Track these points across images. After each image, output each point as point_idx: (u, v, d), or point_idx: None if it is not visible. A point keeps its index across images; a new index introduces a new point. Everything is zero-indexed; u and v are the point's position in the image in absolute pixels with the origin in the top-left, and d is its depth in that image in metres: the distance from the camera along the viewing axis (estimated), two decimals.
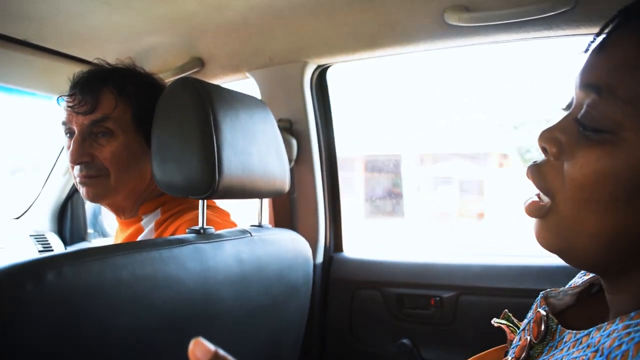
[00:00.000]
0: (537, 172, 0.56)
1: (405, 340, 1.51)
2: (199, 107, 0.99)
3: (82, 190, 1.25)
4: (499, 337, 0.81)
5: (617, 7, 0.52)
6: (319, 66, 1.61)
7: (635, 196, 0.48)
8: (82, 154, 1.20)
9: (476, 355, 0.78)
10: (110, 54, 1.35)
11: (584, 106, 0.51)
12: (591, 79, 0.51)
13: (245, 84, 1.70)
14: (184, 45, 1.63)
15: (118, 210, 1.31)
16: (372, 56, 1.50)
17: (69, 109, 1.22)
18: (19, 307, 0.68)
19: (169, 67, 1.68)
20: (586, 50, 0.54)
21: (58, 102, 1.28)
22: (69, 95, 1.23)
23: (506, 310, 0.75)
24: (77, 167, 1.22)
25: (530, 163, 0.57)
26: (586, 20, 1.19)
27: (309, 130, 1.61)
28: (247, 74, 1.64)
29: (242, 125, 1.07)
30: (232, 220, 1.30)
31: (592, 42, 0.54)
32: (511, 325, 0.73)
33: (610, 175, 0.48)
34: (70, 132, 1.24)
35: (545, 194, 0.55)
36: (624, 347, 0.44)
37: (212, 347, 0.43)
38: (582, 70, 0.53)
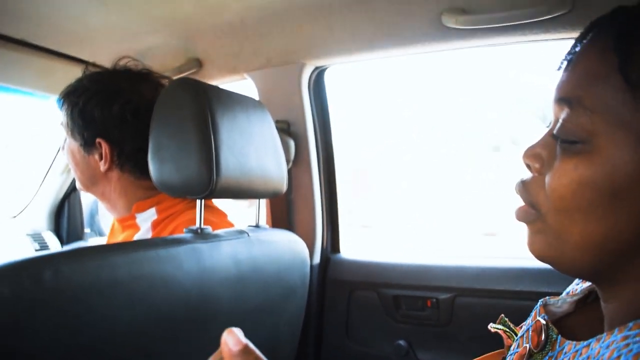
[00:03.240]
0: (522, 187, 0.58)
1: (401, 342, 1.51)
2: (196, 108, 1.00)
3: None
4: (495, 340, 0.81)
5: None
6: (316, 68, 1.61)
7: (615, 200, 0.49)
8: None
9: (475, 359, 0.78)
10: (108, 55, 1.35)
11: (560, 120, 0.53)
12: (563, 93, 0.53)
13: (243, 86, 1.70)
14: (181, 46, 1.63)
15: (112, 208, 1.31)
16: (369, 58, 1.50)
17: None
18: (17, 305, 0.68)
19: (166, 68, 1.68)
20: (559, 68, 0.56)
21: (58, 103, 1.26)
22: None
23: (502, 315, 0.75)
24: None
25: (518, 180, 0.59)
26: (583, 23, 1.18)
27: (307, 132, 1.61)
28: (245, 75, 1.64)
29: (239, 126, 1.08)
30: (229, 221, 1.29)
31: (564, 60, 0.56)
32: (508, 330, 0.73)
33: (587, 183, 0.49)
34: None
35: (532, 207, 0.56)
36: (622, 358, 0.44)
37: (243, 339, 0.47)
38: (557, 86, 0.55)
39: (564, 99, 0.53)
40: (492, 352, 0.77)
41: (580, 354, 0.52)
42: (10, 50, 1.51)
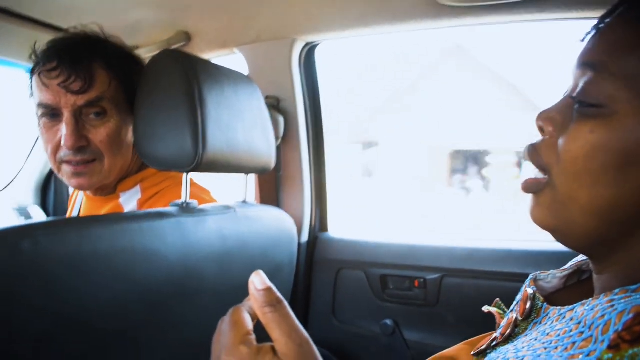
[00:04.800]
0: (533, 150, 0.58)
1: (387, 321, 1.51)
2: (184, 80, 0.97)
3: (72, 181, 1.14)
4: (483, 320, 0.82)
5: None
6: (307, 43, 1.58)
7: (627, 167, 0.49)
8: (79, 138, 1.09)
9: (466, 341, 0.78)
10: (96, 26, 1.30)
11: (580, 84, 0.53)
12: (587, 58, 0.54)
13: (233, 60, 1.67)
14: (170, 18, 1.59)
15: (97, 190, 1.23)
16: (362, 34, 1.48)
17: (58, 86, 1.07)
18: None
19: (154, 40, 1.65)
20: (583, 39, 0.56)
21: (29, 73, 1.15)
22: (51, 70, 1.08)
23: (498, 299, 0.76)
24: (68, 153, 1.10)
25: (527, 144, 0.60)
26: (579, 4, 1.18)
27: (297, 108, 1.59)
28: (235, 50, 1.62)
29: (227, 100, 1.06)
30: (213, 197, 1.26)
31: (589, 32, 0.56)
32: (501, 312, 0.73)
33: (602, 147, 0.50)
34: (53, 113, 1.11)
35: (541, 170, 0.57)
36: (606, 317, 0.45)
37: (268, 281, 0.51)
38: (581, 52, 0.55)
39: (588, 63, 0.53)
40: (485, 334, 0.77)
41: (564, 317, 0.53)
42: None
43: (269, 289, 0.50)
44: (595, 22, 0.56)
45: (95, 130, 1.11)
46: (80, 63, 1.09)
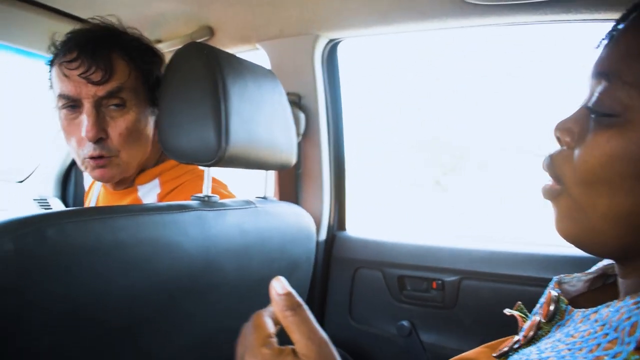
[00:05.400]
0: (549, 161, 0.58)
1: (404, 322, 1.50)
2: (208, 73, 0.97)
3: (95, 172, 1.14)
4: (501, 323, 0.81)
5: None
6: (330, 40, 1.58)
7: None
8: (99, 130, 1.09)
9: (486, 344, 0.78)
10: (120, 19, 1.31)
11: (595, 93, 0.53)
12: (601, 67, 0.53)
13: (255, 56, 1.67)
14: (193, 13, 1.59)
15: (116, 184, 1.23)
16: (386, 32, 1.47)
17: (78, 77, 1.07)
18: (20, 260, 0.67)
19: (177, 34, 1.66)
20: (598, 46, 0.56)
21: (48, 64, 1.16)
22: (71, 61, 1.08)
23: (519, 302, 0.76)
24: (89, 146, 1.11)
25: (546, 155, 0.60)
26: (606, 4, 1.16)
27: (318, 105, 1.59)
28: (257, 45, 1.61)
29: (250, 95, 1.05)
30: (231, 192, 1.26)
31: (604, 39, 0.56)
32: (524, 315, 0.73)
33: (619, 156, 0.50)
34: (73, 104, 1.11)
35: (557, 181, 0.57)
36: (633, 319, 0.45)
37: (288, 286, 0.53)
38: (596, 61, 0.55)
39: (602, 72, 0.53)
40: (505, 338, 0.77)
41: (588, 318, 0.53)
42: (17, 8, 1.48)
43: (289, 294, 0.52)
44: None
45: (114, 122, 1.12)
46: (101, 54, 1.09)
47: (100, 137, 1.10)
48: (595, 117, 0.53)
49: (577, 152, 0.54)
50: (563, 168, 0.56)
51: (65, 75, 1.09)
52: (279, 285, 0.53)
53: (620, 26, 0.54)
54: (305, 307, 0.52)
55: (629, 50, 0.51)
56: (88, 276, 0.75)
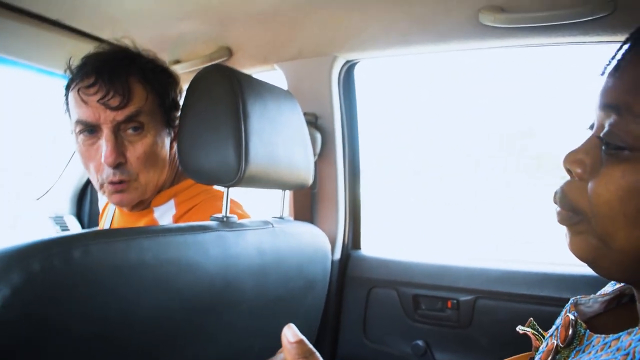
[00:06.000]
0: (562, 194, 0.57)
1: (419, 342, 1.50)
2: (229, 95, 0.99)
3: (114, 197, 1.14)
4: (517, 344, 0.80)
5: None
6: (347, 61, 1.59)
7: None
8: (119, 155, 1.10)
9: None
10: (140, 39, 1.32)
11: (606, 126, 0.52)
12: (610, 100, 0.53)
13: (271, 76, 1.69)
14: (213, 34, 1.62)
15: (134, 206, 1.22)
16: (403, 53, 1.49)
17: (97, 103, 1.08)
18: (47, 281, 0.68)
19: (197, 55, 1.68)
20: (602, 73, 0.55)
21: (66, 88, 1.15)
22: (89, 86, 1.08)
23: (531, 318, 0.75)
24: (108, 170, 1.11)
25: (557, 188, 0.59)
26: (624, 26, 1.17)
27: (334, 126, 1.60)
28: (275, 66, 1.63)
29: (270, 115, 1.07)
30: (245, 211, 1.26)
31: (608, 64, 0.55)
32: (536, 333, 0.72)
33: (635, 190, 0.49)
34: (91, 129, 1.11)
35: (572, 212, 0.56)
36: None
37: (299, 334, 0.53)
38: (602, 91, 0.54)
39: (611, 105, 0.52)
40: (520, 355, 0.76)
41: (609, 346, 0.52)
42: (42, 29, 1.51)
43: (301, 341, 0.53)
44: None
45: (133, 147, 1.12)
46: (118, 78, 1.09)
47: (119, 162, 1.11)
48: (607, 149, 0.52)
49: (590, 185, 0.53)
50: (578, 201, 0.55)
51: (84, 101, 1.09)
52: (291, 333, 0.53)
53: (624, 52, 0.54)
54: (318, 355, 0.53)
55: (636, 79, 0.51)
56: (113, 297, 0.76)
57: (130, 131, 1.12)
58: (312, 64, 1.57)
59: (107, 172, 1.11)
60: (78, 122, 1.11)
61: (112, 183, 1.12)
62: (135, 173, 1.13)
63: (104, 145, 1.09)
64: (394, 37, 1.42)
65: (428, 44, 1.40)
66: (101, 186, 1.15)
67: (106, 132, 1.09)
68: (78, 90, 1.10)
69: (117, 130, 1.11)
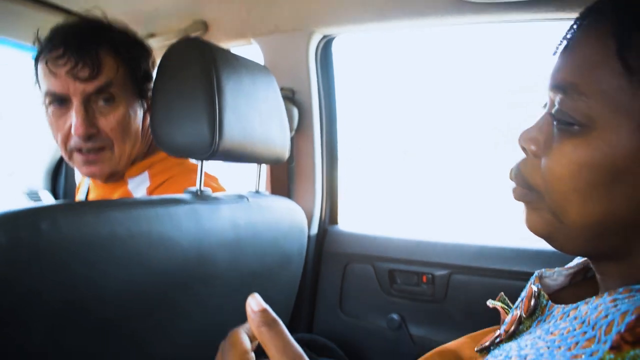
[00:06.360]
0: (517, 171, 0.59)
1: (394, 315, 1.51)
2: (203, 68, 0.97)
3: (85, 169, 1.15)
4: (490, 318, 0.82)
5: None
6: (325, 36, 1.58)
7: (614, 182, 0.49)
8: (89, 126, 1.09)
9: (469, 335, 0.78)
10: (113, 13, 1.28)
11: (556, 104, 0.53)
12: (559, 79, 0.53)
13: (248, 51, 1.67)
14: (188, 7, 1.59)
15: (107, 177, 1.21)
16: (380, 29, 1.48)
17: (66, 74, 1.07)
18: (14, 253, 0.67)
19: (172, 29, 1.65)
20: (554, 53, 0.56)
21: (35, 60, 1.13)
22: (57, 58, 1.07)
23: (502, 293, 0.76)
24: (78, 141, 1.10)
25: (513, 165, 0.60)
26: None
27: (311, 101, 1.59)
28: (252, 40, 1.61)
29: (245, 90, 1.06)
30: (221, 185, 1.26)
31: (560, 44, 0.56)
32: (506, 307, 0.73)
33: (586, 164, 0.50)
34: (60, 100, 1.10)
35: (528, 189, 0.57)
36: (610, 317, 0.45)
37: (263, 303, 0.54)
38: (552, 71, 0.55)
39: (559, 86, 0.53)
40: (488, 328, 0.78)
41: (568, 315, 0.53)
42: (11, 2, 1.47)
43: (264, 310, 0.54)
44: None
45: (105, 118, 1.11)
46: (87, 49, 1.08)
47: (91, 133, 1.10)
48: (558, 125, 0.53)
49: (544, 161, 0.54)
50: (533, 178, 0.56)
51: (52, 72, 1.07)
52: (255, 302, 0.54)
53: (573, 31, 0.54)
54: (280, 322, 0.53)
55: (584, 59, 0.51)
56: (83, 269, 0.75)
57: (101, 103, 1.11)
58: (289, 39, 1.56)
59: (76, 140, 1.10)
60: (47, 93, 1.10)
61: (81, 152, 1.12)
62: (110, 141, 1.13)
63: (74, 116, 1.08)
64: (371, 13, 1.41)
65: (406, 19, 1.39)
66: (70, 156, 1.14)
67: (76, 103, 1.08)
68: (46, 62, 1.08)
69: (88, 102, 1.10)
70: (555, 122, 0.54)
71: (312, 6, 1.46)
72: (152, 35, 1.70)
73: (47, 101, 1.11)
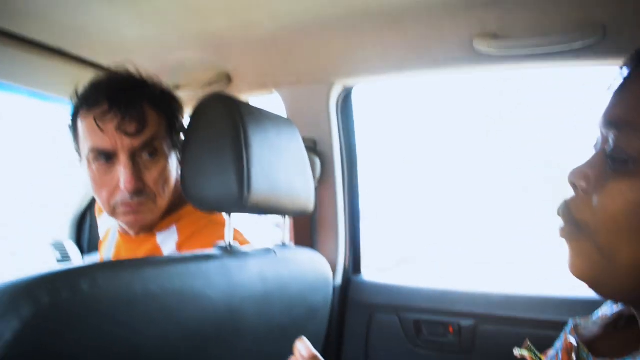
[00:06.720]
0: (565, 208, 0.58)
1: None
2: (231, 123, 0.99)
3: (129, 217, 1.14)
4: None
5: None
6: (345, 87, 1.61)
7: None
8: (138, 180, 1.10)
9: None
10: (140, 66, 1.31)
11: (610, 141, 0.53)
12: (613, 116, 0.54)
13: (269, 98, 1.71)
14: (212, 60, 1.63)
15: (145, 221, 1.19)
16: (400, 79, 1.51)
17: (114, 130, 1.07)
18: (56, 313, 0.68)
19: (196, 81, 1.68)
20: (609, 89, 0.56)
21: (74, 118, 1.14)
22: (104, 113, 1.07)
23: (527, 340, 0.74)
24: (125, 197, 1.11)
25: (561, 202, 0.59)
26: (615, 52, 1.19)
27: (333, 151, 1.61)
28: (274, 91, 1.65)
29: (270, 142, 1.08)
30: (245, 238, 1.25)
31: (612, 84, 0.56)
32: (534, 356, 0.72)
33: None
34: (106, 156, 1.10)
35: (575, 227, 0.56)
36: None
37: (312, 349, 0.56)
38: (606, 109, 0.55)
39: (614, 122, 0.53)
40: None
41: None
42: (45, 58, 1.52)
43: (314, 357, 0.55)
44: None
45: (149, 171, 1.12)
46: (133, 105, 1.09)
47: (139, 188, 1.10)
48: (613, 164, 0.53)
49: (596, 198, 0.54)
50: (582, 215, 0.55)
51: (100, 128, 1.07)
52: (303, 347, 0.55)
53: (626, 71, 0.55)
54: None
55: (638, 97, 0.52)
56: (119, 328, 0.76)
57: (146, 157, 1.12)
58: (310, 91, 1.59)
59: (123, 196, 1.11)
60: (93, 149, 1.10)
61: (130, 205, 1.12)
62: (153, 194, 1.14)
63: (123, 172, 1.08)
64: (390, 64, 1.44)
65: (423, 69, 1.42)
66: (113, 210, 1.14)
67: (123, 158, 1.09)
68: (92, 117, 1.08)
69: (133, 157, 1.10)
70: (609, 160, 0.53)
71: (333, 58, 1.49)
72: (177, 87, 1.73)
73: (91, 157, 1.11)
